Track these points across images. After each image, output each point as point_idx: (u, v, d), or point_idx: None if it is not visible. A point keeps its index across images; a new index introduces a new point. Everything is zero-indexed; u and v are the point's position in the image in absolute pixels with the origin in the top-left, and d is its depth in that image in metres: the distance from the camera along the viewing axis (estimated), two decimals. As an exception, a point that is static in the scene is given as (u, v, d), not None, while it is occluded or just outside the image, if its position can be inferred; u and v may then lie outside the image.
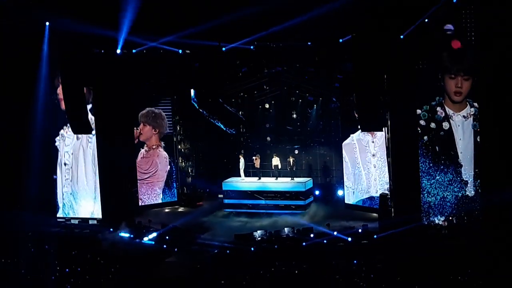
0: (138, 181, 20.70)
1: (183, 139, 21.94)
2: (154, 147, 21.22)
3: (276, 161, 21.02)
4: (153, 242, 16.39)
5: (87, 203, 19.17)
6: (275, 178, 21.09)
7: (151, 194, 21.17)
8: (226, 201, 20.78)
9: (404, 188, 16.24)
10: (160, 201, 21.19)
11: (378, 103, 15.67)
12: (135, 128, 20.59)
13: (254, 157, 21.30)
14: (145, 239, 16.60)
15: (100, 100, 18.15)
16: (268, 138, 22.04)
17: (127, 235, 17.09)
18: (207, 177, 22.36)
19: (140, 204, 20.49)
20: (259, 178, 21.25)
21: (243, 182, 21.13)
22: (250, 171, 21.63)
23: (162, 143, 21.29)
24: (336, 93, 19.90)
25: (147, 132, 20.95)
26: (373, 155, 18.73)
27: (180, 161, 21.90)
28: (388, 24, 14.93)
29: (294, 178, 20.85)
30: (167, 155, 21.40)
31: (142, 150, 21.06)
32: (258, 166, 21.27)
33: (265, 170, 21.41)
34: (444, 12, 15.05)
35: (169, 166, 21.44)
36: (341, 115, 19.88)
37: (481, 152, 15.63)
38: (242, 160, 21.38)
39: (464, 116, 15.82)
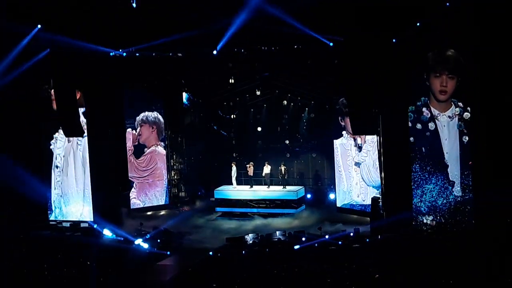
0: (139, 181, 21.05)
1: (174, 142, 22.15)
2: (153, 146, 21.53)
3: (267, 169, 21.19)
4: (144, 245, 16.36)
5: (76, 205, 19.31)
6: (267, 186, 21.23)
7: (152, 195, 21.34)
8: (218, 209, 20.86)
9: (396, 190, 16.41)
10: (152, 204, 21.29)
11: (370, 106, 15.85)
12: (133, 132, 21.03)
13: (247, 165, 21.47)
14: (136, 242, 16.57)
15: (92, 102, 18.34)
16: (260, 142, 22.32)
17: (118, 238, 17.14)
18: (199, 181, 22.54)
19: (132, 207, 20.61)
20: (251, 187, 21.39)
21: (235, 191, 21.28)
22: (242, 179, 21.75)
23: (162, 143, 21.63)
24: (328, 97, 20.18)
25: (146, 131, 21.36)
26: (357, 163, 19.04)
27: (172, 164, 22.08)
28: (381, 27, 15.16)
29: (286, 187, 21.03)
30: (165, 152, 21.64)
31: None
32: (252, 174, 21.43)
33: (258, 178, 21.55)
34: (436, 16, 15.26)
35: (165, 160, 21.68)
36: (332, 120, 20.04)
37: (471, 151, 15.80)
38: (234, 168, 21.51)
39: (449, 116, 15.99)
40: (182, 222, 19.20)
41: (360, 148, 18.92)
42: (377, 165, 17.84)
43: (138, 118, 21.17)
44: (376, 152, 17.80)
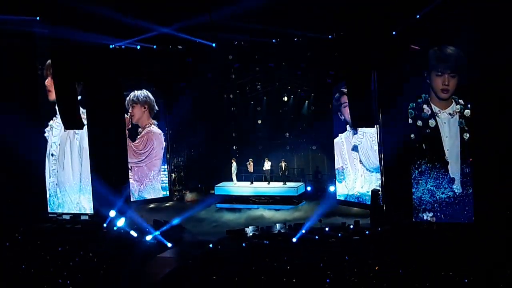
0: (136, 166, 20.88)
1: (174, 134, 22.11)
2: (147, 126, 21.25)
3: (267, 165, 21.23)
4: (146, 238, 16.41)
5: (72, 194, 19.36)
6: (267, 182, 21.27)
7: (149, 179, 21.24)
8: (218, 205, 20.84)
9: (395, 185, 16.51)
10: (152, 197, 21.25)
11: (370, 100, 15.85)
12: (126, 116, 20.77)
13: (247, 162, 21.49)
14: (132, 233, 16.68)
15: (92, 94, 18.40)
16: (259, 121, 22.29)
17: (119, 230, 17.18)
18: (199, 172, 22.54)
19: (132, 199, 20.55)
20: (252, 183, 21.43)
21: (235, 187, 21.34)
22: (243, 176, 21.79)
23: (155, 121, 21.37)
24: (328, 90, 20.16)
25: (138, 111, 21.04)
26: (354, 146, 19.03)
27: (172, 156, 22.06)
28: (381, 21, 15.25)
29: (286, 183, 21.08)
30: (161, 132, 21.47)
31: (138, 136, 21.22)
32: (252, 171, 21.46)
33: (258, 175, 21.60)
34: (437, 9, 15.32)
35: (164, 143, 21.53)
36: (333, 113, 20.05)
37: (472, 148, 15.88)
38: (234, 164, 21.54)
39: (450, 114, 16.09)
40: (182, 215, 19.24)
41: (356, 130, 18.90)
42: (376, 148, 17.89)
43: (128, 98, 20.78)
44: (374, 134, 17.82)
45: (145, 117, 21.16)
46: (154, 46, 18.21)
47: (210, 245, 15.65)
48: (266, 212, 19.69)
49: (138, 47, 18.12)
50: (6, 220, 17.28)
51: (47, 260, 14.35)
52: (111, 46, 17.98)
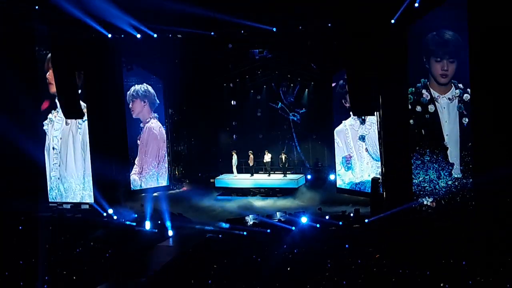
0: (138, 158, 20.87)
1: (174, 124, 22.15)
2: (148, 120, 21.26)
3: (268, 157, 21.25)
4: (148, 227, 16.44)
5: (76, 188, 19.32)
6: (268, 174, 21.28)
7: (151, 171, 21.25)
8: (218, 197, 20.83)
9: (395, 171, 16.42)
10: (152, 186, 21.15)
11: (370, 87, 15.83)
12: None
13: (248, 160, 21.49)
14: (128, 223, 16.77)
15: (92, 84, 18.36)
16: (259, 114, 22.28)
17: (119, 220, 17.24)
18: (199, 161, 22.54)
19: (132, 184, 20.58)
20: (252, 175, 21.44)
21: (236, 179, 21.34)
22: (243, 168, 21.79)
23: (156, 114, 21.33)
24: (328, 78, 20.13)
25: (138, 106, 21.03)
26: (362, 136, 18.97)
27: (172, 145, 22.00)
28: (379, 8, 15.21)
29: (287, 175, 21.09)
30: (161, 125, 21.47)
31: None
32: (252, 163, 21.46)
33: (259, 167, 21.63)
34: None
35: (165, 134, 21.57)
36: (334, 101, 19.98)
37: (471, 133, 15.87)
38: (235, 157, 21.57)
39: (449, 98, 16.07)
40: (182, 203, 19.26)
41: (363, 120, 18.81)
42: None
43: (129, 93, 20.75)
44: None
45: (146, 112, 21.18)
46: (155, 35, 18.16)
47: (209, 234, 15.66)
48: (267, 201, 19.68)
49: (139, 36, 18.06)
50: (6, 210, 17.24)
51: (48, 250, 14.30)
52: (109, 36, 17.94)
